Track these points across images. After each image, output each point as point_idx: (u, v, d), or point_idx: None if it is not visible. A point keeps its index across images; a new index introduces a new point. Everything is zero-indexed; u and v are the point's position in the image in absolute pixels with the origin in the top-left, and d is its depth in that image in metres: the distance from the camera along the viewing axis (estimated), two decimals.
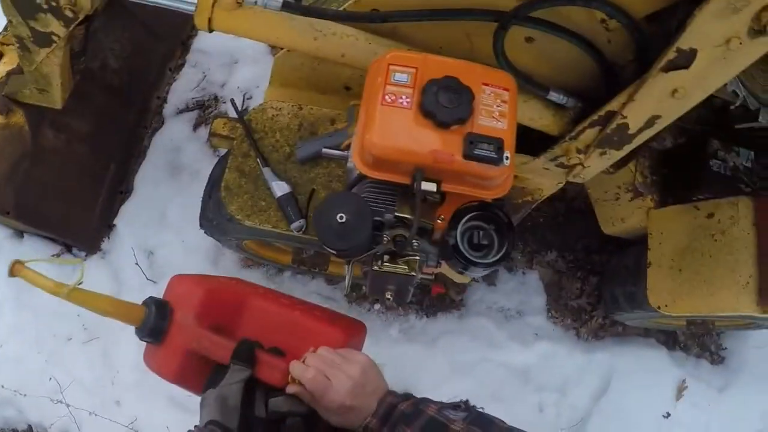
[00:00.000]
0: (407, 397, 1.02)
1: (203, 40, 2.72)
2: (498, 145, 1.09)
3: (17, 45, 1.71)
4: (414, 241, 1.16)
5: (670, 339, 2.38)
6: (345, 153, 1.44)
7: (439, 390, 2.18)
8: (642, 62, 1.27)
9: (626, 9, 1.17)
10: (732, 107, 1.51)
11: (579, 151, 1.48)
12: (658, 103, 1.24)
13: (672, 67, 1.11)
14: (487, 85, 1.14)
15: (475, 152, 1.08)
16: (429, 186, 1.13)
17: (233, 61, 2.69)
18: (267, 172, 1.62)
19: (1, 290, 2.35)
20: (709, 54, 1.07)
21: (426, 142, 1.09)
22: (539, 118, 1.47)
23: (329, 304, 2.35)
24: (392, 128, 1.11)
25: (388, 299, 1.28)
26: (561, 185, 1.71)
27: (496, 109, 1.13)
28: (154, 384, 2.21)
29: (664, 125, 1.32)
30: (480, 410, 1.00)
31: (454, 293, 2.38)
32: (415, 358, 2.28)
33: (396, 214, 1.19)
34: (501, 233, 1.15)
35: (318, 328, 1.21)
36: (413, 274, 1.22)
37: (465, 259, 1.14)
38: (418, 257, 1.21)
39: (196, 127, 2.59)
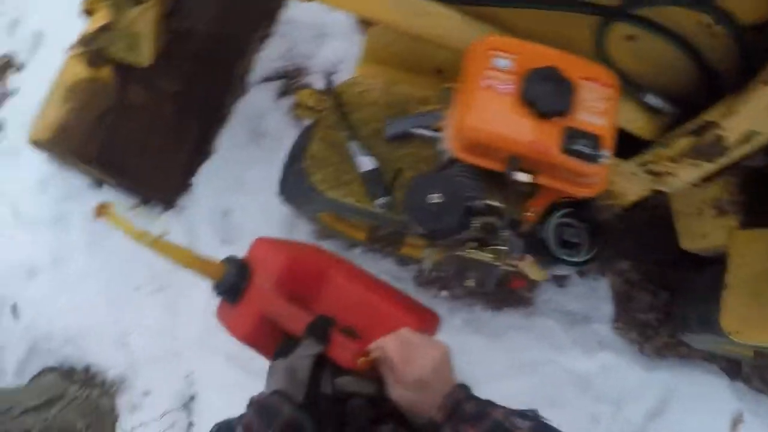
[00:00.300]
0: (473, 395, 1.04)
1: (293, 12, 2.83)
2: (596, 141, 1.14)
3: (111, 1, 1.82)
4: (503, 230, 1.21)
5: (733, 368, 2.38)
6: (437, 134, 1.51)
7: (498, 385, 2.25)
8: (745, 72, 1.29)
9: (733, 15, 1.21)
10: None
11: (670, 159, 1.52)
12: (757, 117, 1.26)
13: None
14: (589, 79, 1.19)
15: (573, 147, 1.13)
16: (522, 176, 1.19)
17: (321, 34, 2.79)
18: (354, 145, 1.69)
19: (76, 234, 2.53)
20: None
21: (524, 130, 1.15)
22: (633, 120, 1.51)
23: (397, 285, 2.42)
24: (490, 113, 1.17)
25: (470, 285, 1.35)
26: (647, 192, 1.74)
27: (597, 106, 1.18)
28: (215, 340, 2.35)
29: (762, 142, 1.34)
30: (547, 422, 0.99)
31: (524, 290, 2.43)
32: (477, 349, 2.34)
33: (487, 201, 1.26)
34: (592, 234, 1.20)
35: (394, 314, 1.25)
36: (497, 263, 1.28)
37: (552, 255, 1.19)
38: (504, 247, 1.27)
39: (279, 96, 2.70)
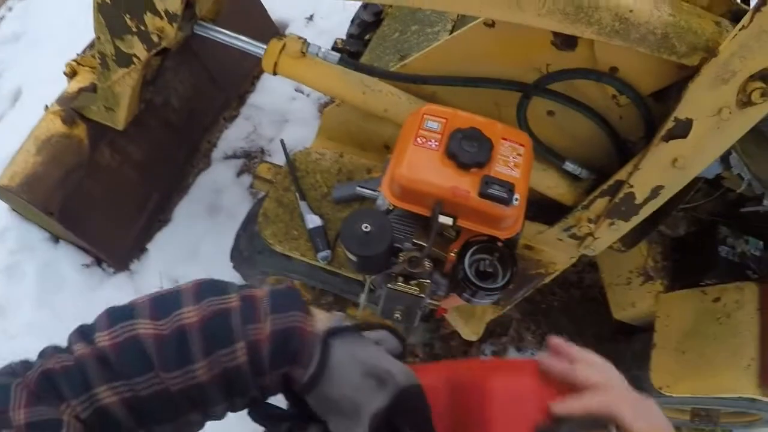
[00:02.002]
0: None
1: (259, 97, 3.05)
2: (509, 187, 1.27)
3: (99, 61, 1.92)
4: (426, 261, 1.33)
5: None
6: (376, 193, 1.65)
7: None
8: (649, 136, 1.44)
9: (634, 85, 1.38)
10: (738, 191, 1.68)
11: (590, 221, 1.65)
12: (660, 172, 1.41)
13: (671, 136, 1.30)
14: (506, 139, 1.34)
15: (489, 191, 1.26)
16: (446, 219, 1.31)
17: (284, 120, 3.01)
18: (303, 205, 1.84)
19: (27, 286, 2.56)
20: (703, 123, 1.25)
21: (447, 179, 1.29)
22: (555, 186, 1.67)
23: None
24: (420, 165, 1.30)
25: (397, 319, 1.44)
26: (574, 260, 1.86)
27: (512, 160, 1.32)
28: None
29: (668, 196, 1.49)
30: None
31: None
32: None
33: (414, 240, 1.38)
34: (504, 263, 1.32)
35: None
36: (422, 296, 1.39)
37: (473, 285, 1.30)
38: (428, 281, 1.38)
39: (239, 174, 2.87)
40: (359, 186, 1.72)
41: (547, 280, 1.96)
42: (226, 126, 2.99)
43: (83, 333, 0.68)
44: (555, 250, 1.85)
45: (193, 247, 2.66)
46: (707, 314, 1.87)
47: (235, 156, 2.92)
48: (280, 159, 2.78)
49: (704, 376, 1.82)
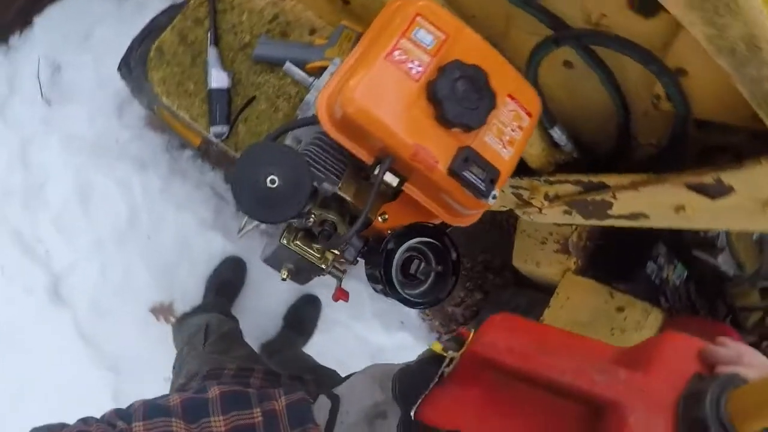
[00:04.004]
0: None
1: None
2: (492, 177, 0.82)
3: None
4: (343, 235, 0.87)
5: None
6: (309, 78, 1.10)
7: None
8: (661, 154, 1.04)
9: (692, 101, 0.91)
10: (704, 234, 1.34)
11: (546, 198, 1.25)
12: (656, 207, 1.02)
13: (699, 190, 0.88)
14: (512, 98, 0.85)
15: (463, 173, 0.80)
16: (390, 178, 0.84)
17: None
18: (212, 52, 1.26)
19: None
20: (741, 202, 0.85)
21: (414, 131, 0.80)
22: (529, 146, 1.20)
23: (217, 202, 2.04)
24: (383, 93, 0.79)
25: (284, 279, 1.00)
26: (504, 209, 1.48)
27: (509, 133, 0.85)
28: None
29: (644, 225, 1.11)
30: None
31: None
32: (282, 297, 2.04)
33: (338, 191, 0.90)
34: (442, 277, 0.88)
35: None
36: (323, 267, 0.94)
37: (389, 280, 0.86)
38: (336, 252, 0.93)
39: None
40: (290, 61, 1.13)
41: None
42: None
43: (121, 415, 0.70)
44: None
45: (86, 32, 1.99)
46: (605, 318, 1.58)
47: None
48: None
49: None
